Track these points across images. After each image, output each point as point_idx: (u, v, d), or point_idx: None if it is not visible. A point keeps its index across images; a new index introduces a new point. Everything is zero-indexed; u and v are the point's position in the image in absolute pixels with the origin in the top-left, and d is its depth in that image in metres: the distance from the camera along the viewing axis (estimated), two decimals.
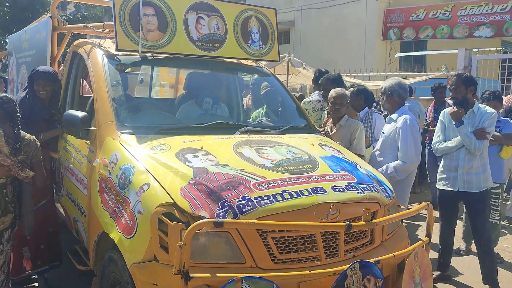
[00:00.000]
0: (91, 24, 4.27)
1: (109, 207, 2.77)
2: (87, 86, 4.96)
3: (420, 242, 2.87)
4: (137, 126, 3.23)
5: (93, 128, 3.26)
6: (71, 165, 3.56)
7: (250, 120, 4.37)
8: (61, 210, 3.97)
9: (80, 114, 3.21)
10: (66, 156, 3.71)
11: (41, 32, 4.73)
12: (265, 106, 4.47)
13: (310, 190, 2.62)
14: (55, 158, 3.97)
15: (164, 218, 2.36)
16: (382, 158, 4.16)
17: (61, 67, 4.83)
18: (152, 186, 2.55)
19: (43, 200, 3.69)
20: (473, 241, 4.45)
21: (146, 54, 3.66)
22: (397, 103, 4.19)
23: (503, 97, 7.34)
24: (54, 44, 4.60)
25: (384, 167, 4.04)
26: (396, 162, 4.02)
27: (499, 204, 4.72)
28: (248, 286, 2.16)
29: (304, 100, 5.69)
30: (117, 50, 3.49)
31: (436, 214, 4.06)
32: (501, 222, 5.24)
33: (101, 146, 3.10)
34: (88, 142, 3.29)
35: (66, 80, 4.13)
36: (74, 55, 4.12)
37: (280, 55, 4.89)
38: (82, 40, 4.20)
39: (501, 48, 12.21)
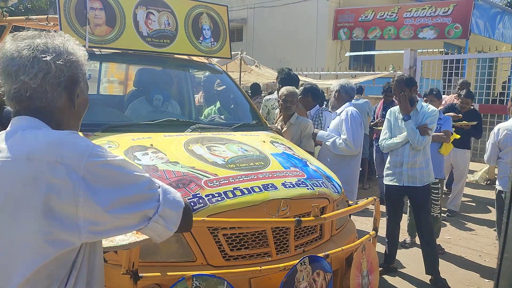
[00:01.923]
0: (33, 17, 4.09)
1: None
2: None
3: (367, 236, 2.97)
4: (84, 123, 3.09)
5: None
6: None
7: (202, 117, 4.35)
8: None
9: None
10: None
11: None
12: (217, 103, 4.46)
13: (261, 187, 2.64)
14: None
15: None
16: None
17: None
18: None
19: None
20: (417, 234, 4.66)
21: (93, 49, 3.55)
22: (343, 99, 4.37)
23: (445, 96, 7.73)
24: None
25: (331, 139, 4.24)
26: (339, 140, 4.23)
27: (439, 198, 4.96)
28: (199, 283, 2.16)
29: (265, 97, 5.75)
30: None
31: (383, 208, 4.21)
32: (443, 215, 5.51)
33: None
34: None
35: None
36: None
37: (233, 53, 4.90)
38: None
39: (443, 50, 12.83)
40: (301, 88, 5.48)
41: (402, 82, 4.11)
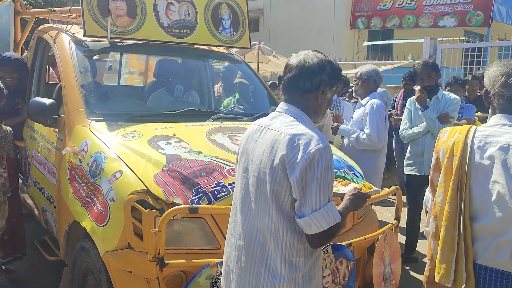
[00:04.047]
0: (56, 9, 4.13)
1: (80, 196, 2.73)
2: (54, 73, 4.82)
3: (389, 225, 2.96)
4: (108, 113, 3.18)
5: (61, 115, 3.18)
6: (39, 154, 3.47)
7: (221, 107, 4.36)
8: (28, 201, 3.87)
9: (47, 101, 3.12)
10: (33, 145, 3.61)
11: (3, 17, 4.56)
12: (236, 93, 4.47)
13: None
14: (21, 147, 3.86)
15: (138, 205, 2.34)
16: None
17: (25, 54, 4.68)
18: (125, 173, 2.52)
19: None
20: None
21: (115, 40, 3.58)
22: (370, 89, 4.27)
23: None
24: (17, 29, 4.45)
25: (354, 135, 4.14)
26: (363, 135, 4.12)
27: None
28: None
29: None
30: (84, 35, 3.40)
31: (404, 199, 4.18)
32: None
33: (70, 134, 3.04)
34: (57, 130, 3.22)
35: (30, 66, 4.00)
36: (39, 40, 3.99)
37: (251, 43, 4.89)
38: (47, 25, 4.07)
39: (464, 38, 12.58)
40: None
41: (429, 66, 4.04)
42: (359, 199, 1.86)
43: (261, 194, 1.70)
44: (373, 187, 2.01)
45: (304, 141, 1.62)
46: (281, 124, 1.72)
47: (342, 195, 1.91)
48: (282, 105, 1.80)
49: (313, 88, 1.76)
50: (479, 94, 6.16)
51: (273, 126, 1.73)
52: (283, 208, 1.67)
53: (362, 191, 1.92)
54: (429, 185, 2.01)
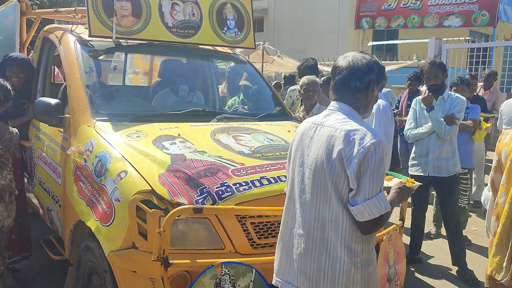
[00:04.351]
0: (62, 9, 4.15)
1: (85, 195, 2.74)
2: (59, 73, 4.84)
3: (394, 225, 2.95)
4: (112, 114, 3.19)
5: (66, 115, 3.19)
6: (44, 154, 3.49)
7: (226, 107, 4.37)
8: (34, 200, 3.88)
9: (53, 101, 3.14)
10: (39, 145, 3.63)
11: (8, 17, 4.58)
12: (241, 94, 4.47)
13: None
14: (26, 146, 3.87)
15: (143, 205, 2.35)
16: None
17: (30, 54, 4.70)
18: (130, 173, 2.53)
19: None
20: (442, 224, 4.60)
21: (120, 40, 3.59)
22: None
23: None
24: (23, 30, 4.47)
25: None
26: None
27: (468, 189, 4.88)
28: (228, 271, 2.19)
29: (289, 88, 5.73)
30: (90, 36, 3.41)
31: (408, 199, 4.17)
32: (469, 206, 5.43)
33: (76, 133, 3.05)
34: (62, 130, 3.23)
35: (36, 67, 4.02)
36: (45, 41, 4.01)
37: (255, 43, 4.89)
38: (52, 25, 4.09)
39: (469, 38, 12.52)
40: (324, 78, 5.44)
41: (436, 65, 4.02)
42: (405, 192, 2.01)
43: (320, 186, 1.86)
44: (416, 182, 2.12)
45: (359, 136, 1.79)
46: (335, 121, 1.88)
47: (387, 189, 2.03)
48: (333, 104, 1.96)
49: (363, 88, 1.92)
50: (475, 94, 6.18)
51: (328, 123, 1.90)
52: (342, 197, 1.82)
53: (406, 185, 2.05)
54: (489, 184, 2.11)
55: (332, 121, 1.89)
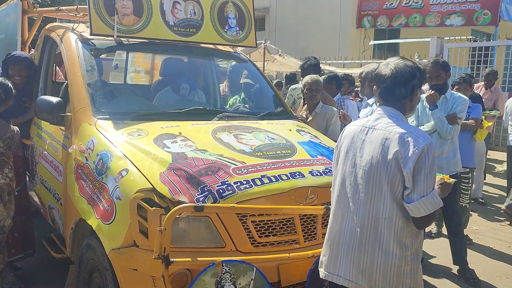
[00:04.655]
0: (63, 8, 4.15)
1: (86, 194, 2.74)
2: (60, 71, 4.85)
3: None
4: (114, 112, 3.19)
5: (68, 114, 3.20)
6: (46, 152, 3.50)
7: (227, 106, 4.37)
8: (35, 198, 3.89)
9: (54, 99, 3.14)
10: (40, 143, 3.64)
11: (10, 16, 4.59)
12: (242, 92, 4.47)
13: (289, 175, 2.65)
14: (28, 145, 3.88)
15: (144, 203, 2.35)
16: None
17: (31, 52, 4.70)
18: (131, 171, 2.53)
19: (16, 188, 3.62)
20: (444, 224, 4.60)
21: (121, 39, 3.60)
22: None
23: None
24: (25, 28, 4.47)
25: None
26: None
27: (469, 188, 4.87)
28: (229, 269, 2.19)
29: (290, 87, 5.73)
30: (91, 34, 3.42)
31: None
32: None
33: (77, 132, 3.05)
34: (63, 128, 3.23)
35: (38, 65, 4.02)
36: (46, 39, 4.01)
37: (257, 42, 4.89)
38: (54, 24, 4.09)
39: (471, 37, 12.50)
40: (324, 76, 5.44)
41: (439, 64, 4.00)
42: (445, 187, 2.17)
43: (374, 185, 1.99)
44: (451, 178, 2.23)
45: (413, 138, 1.94)
46: (387, 125, 2.02)
47: None
48: (381, 108, 2.10)
49: (408, 94, 2.06)
50: (473, 93, 6.16)
51: (379, 127, 2.03)
52: (396, 196, 1.97)
53: (446, 181, 2.19)
54: None
55: (384, 125, 2.03)
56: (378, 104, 2.15)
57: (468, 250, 4.28)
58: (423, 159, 1.90)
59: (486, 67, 8.74)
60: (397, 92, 2.05)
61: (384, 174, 1.96)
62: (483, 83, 7.58)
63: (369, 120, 2.11)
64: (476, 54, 9.39)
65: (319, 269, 2.18)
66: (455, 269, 4.17)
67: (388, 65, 2.08)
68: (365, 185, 2.01)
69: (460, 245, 4.13)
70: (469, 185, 4.88)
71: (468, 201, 4.90)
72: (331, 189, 2.23)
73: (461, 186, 4.78)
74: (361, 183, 2.02)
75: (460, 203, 4.68)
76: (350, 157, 2.09)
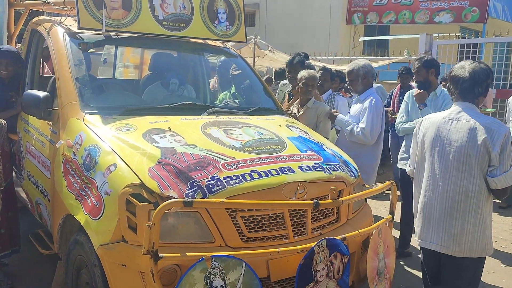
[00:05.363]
0: (50, 1, 4.09)
1: (74, 189, 2.71)
2: (47, 66, 4.79)
3: (384, 219, 2.96)
4: (102, 107, 3.16)
5: (55, 108, 3.16)
6: (33, 147, 3.45)
7: (217, 101, 4.35)
8: (22, 194, 3.85)
9: (41, 94, 3.10)
10: (27, 138, 3.59)
11: None
12: (232, 87, 4.45)
13: (278, 170, 2.65)
14: (15, 140, 3.83)
15: (132, 198, 2.34)
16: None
17: (17, 46, 4.64)
18: (119, 166, 2.51)
19: (3, 184, 3.57)
20: None
21: (110, 33, 3.56)
22: (369, 83, 4.25)
23: None
24: (11, 22, 4.41)
25: (349, 127, 4.17)
26: (357, 128, 4.15)
27: None
28: (218, 264, 2.18)
29: (281, 82, 5.72)
30: (79, 28, 3.37)
31: (398, 193, 4.19)
32: None
33: (65, 127, 3.02)
34: (51, 123, 3.19)
35: (24, 59, 3.97)
36: (33, 33, 3.96)
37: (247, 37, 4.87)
38: (41, 17, 4.03)
39: (459, 34, 12.60)
40: (320, 70, 5.43)
41: (421, 62, 4.06)
42: None
43: (463, 166, 2.48)
44: None
45: (496, 126, 2.45)
46: (470, 116, 2.51)
47: None
48: (459, 104, 2.58)
49: (483, 92, 2.56)
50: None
51: (463, 119, 2.53)
52: (483, 173, 2.47)
53: None
54: None
55: (467, 117, 2.52)
56: (454, 100, 2.61)
57: None
58: (506, 143, 2.42)
59: None
60: (475, 91, 2.53)
61: (473, 157, 2.45)
62: None
63: (451, 113, 2.59)
64: (465, 51, 9.44)
65: (414, 238, 2.75)
66: None
67: (464, 69, 2.54)
68: (456, 166, 2.50)
69: None
70: None
71: None
72: (409, 169, 2.87)
73: None
74: (452, 165, 2.51)
75: None
76: (437, 144, 2.58)
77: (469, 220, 2.49)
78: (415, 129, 2.80)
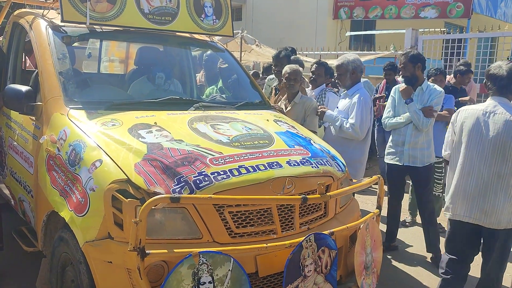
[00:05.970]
0: None
1: (59, 185, 2.66)
2: (29, 60, 4.69)
3: (371, 214, 2.98)
4: (87, 101, 3.11)
5: (38, 103, 3.09)
6: (15, 143, 3.38)
7: (203, 96, 4.31)
8: (5, 191, 3.77)
9: (24, 88, 3.04)
10: (9, 133, 3.52)
11: None
12: (219, 82, 4.42)
13: (266, 165, 2.63)
14: None
15: (118, 194, 2.30)
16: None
17: None
18: (105, 162, 2.47)
19: None
20: (418, 213, 4.68)
21: (94, 26, 3.49)
22: (358, 78, 4.25)
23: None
24: None
25: (338, 123, 4.17)
26: (346, 124, 4.14)
27: (442, 177, 4.96)
28: (206, 260, 2.17)
29: (268, 77, 5.69)
30: (62, 21, 3.30)
31: (385, 188, 4.21)
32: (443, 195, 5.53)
33: (48, 122, 2.96)
34: (34, 118, 3.13)
35: (6, 53, 3.88)
36: (15, 26, 3.87)
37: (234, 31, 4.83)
38: (23, 10, 3.95)
39: (444, 29, 12.70)
40: (314, 64, 5.39)
41: (407, 57, 4.07)
42: None
43: (498, 152, 2.82)
44: None
45: None
46: (506, 110, 2.84)
47: None
48: (495, 98, 2.93)
49: None
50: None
51: (499, 112, 2.86)
52: None
53: None
54: None
55: (503, 110, 2.85)
56: (491, 95, 2.95)
57: (441, 238, 4.36)
58: None
59: (459, 59, 8.88)
60: (511, 87, 2.90)
61: (508, 145, 2.79)
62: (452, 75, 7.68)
63: (488, 106, 2.91)
64: (450, 46, 9.52)
65: (445, 213, 3.09)
66: (429, 256, 4.26)
67: (502, 68, 2.90)
68: (491, 152, 2.83)
69: (433, 233, 4.21)
70: (442, 174, 4.97)
71: (441, 190, 5.00)
72: (445, 153, 3.21)
73: (434, 176, 4.88)
74: (488, 152, 2.84)
75: (434, 192, 4.77)
76: (475, 133, 2.89)
77: (501, 197, 2.84)
78: (452, 117, 3.10)
